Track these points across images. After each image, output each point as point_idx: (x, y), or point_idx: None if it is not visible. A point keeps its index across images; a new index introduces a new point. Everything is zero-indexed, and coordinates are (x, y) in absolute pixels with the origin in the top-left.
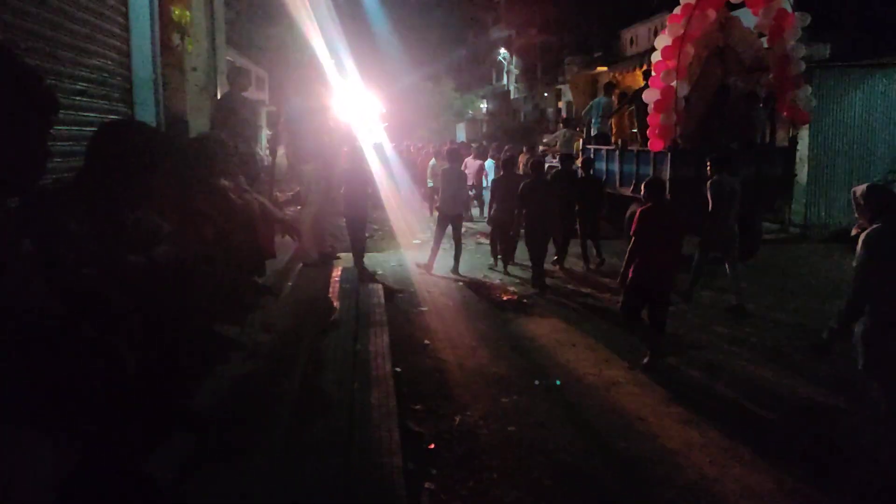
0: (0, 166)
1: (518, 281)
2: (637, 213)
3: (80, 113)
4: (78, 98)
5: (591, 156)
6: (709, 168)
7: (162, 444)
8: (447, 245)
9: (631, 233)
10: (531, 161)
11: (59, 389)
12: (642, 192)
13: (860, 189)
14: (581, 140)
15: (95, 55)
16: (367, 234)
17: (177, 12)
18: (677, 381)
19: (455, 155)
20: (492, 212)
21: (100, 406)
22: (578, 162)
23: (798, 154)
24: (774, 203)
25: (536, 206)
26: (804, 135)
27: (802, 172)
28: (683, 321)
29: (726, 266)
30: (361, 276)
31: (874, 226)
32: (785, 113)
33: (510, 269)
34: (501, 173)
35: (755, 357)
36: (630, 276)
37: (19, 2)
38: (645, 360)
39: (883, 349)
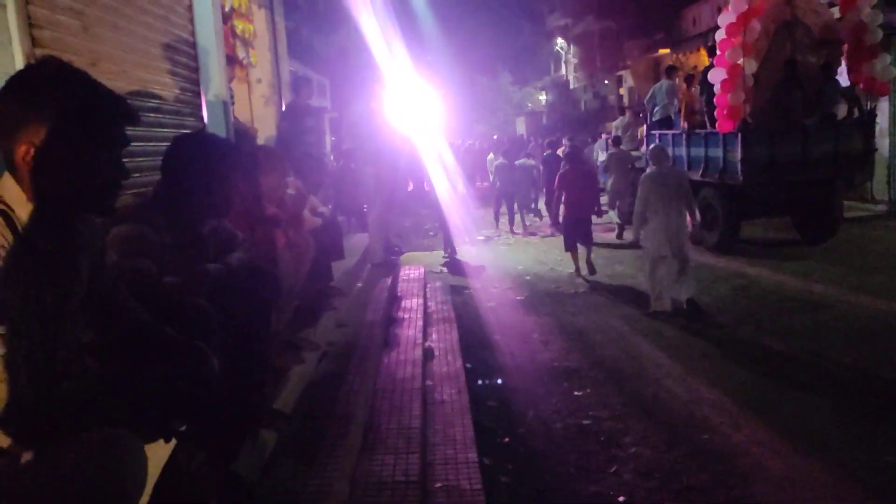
0: (86, 188)
1: (585, 272)
2: (559, 174)
3: (154, 129)
4: (152, 115)
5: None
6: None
7: (246, 443)
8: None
9: (555, 186)
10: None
11: (150, 391)
12: (563, 159)
13: (651, 148)
14: (645, 126)
15: (166, 72)
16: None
17: (240, 26)
18: (756, 370)
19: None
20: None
21: (188, 407)
22: (643, 149)
23: (878, 127)
24: (854, 180)
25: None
26: (884, 107)
27: (884, 146)
28: (759, 307)
29: None
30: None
31: (649, 171)
32: (861, 85)
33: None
34: (502, 161)
35: (834, 342)
36: (563, 217)
37: (95, 28)
38: (585, 272)
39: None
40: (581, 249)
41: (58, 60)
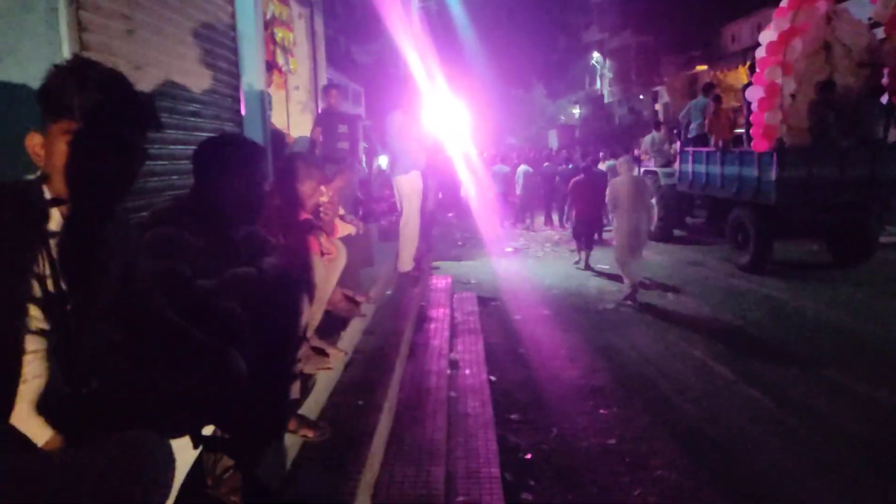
0: (93, 187)
1: (616, 289)
2: (573, 182)
3: (193, 133)
4: (192, 119)
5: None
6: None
7: (270, 449)
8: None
9: (568, 190)
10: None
11: (179, 394)
12: (582, 168)
13: (620, 160)
14: (679, 142)
15: (207, 78)
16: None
17: (280, 34)
18: (784, 396)
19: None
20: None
21: (216, 411)
22: (675, 166)
23: None
24: (891, 203)
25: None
26: None
27: None
28: (790, 332)
29: None
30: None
31: (617, 178)
32: None
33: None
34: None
35: (864, 372)
36: (575, 216)
37: (141, 32)
38: (585, 263)
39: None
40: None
41: (84, 60)
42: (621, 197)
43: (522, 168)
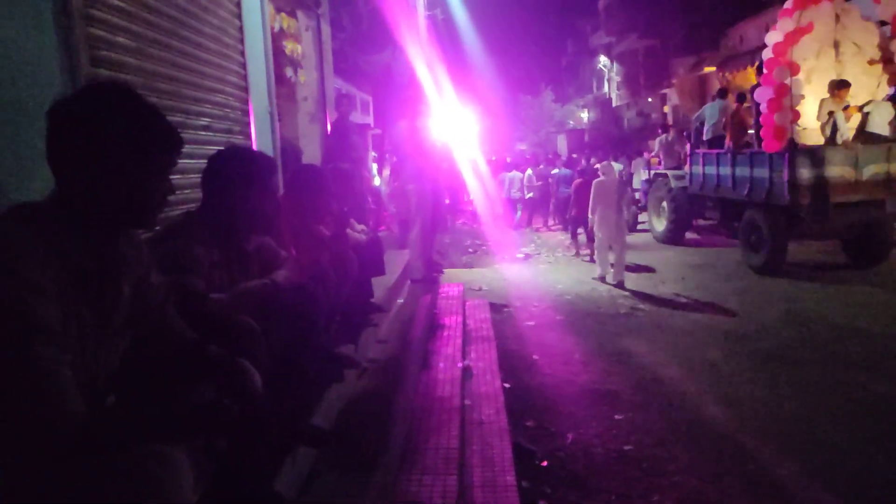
0: (134, 209)
1: (628, 294)
2: (575, 185)
3: (204, 147)
4: (203, 133)
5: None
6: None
7: (286, 461)
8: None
9: (572, 192)
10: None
11: (195, 409)
12: (578, 172)
13: (602, 164)
14: (689, 144)
15: (217, 92)
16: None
17: (289, 47)
18: (804, 398)
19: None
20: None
21: (231, 424)
22: (686, 168)
23: None
24: None
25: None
26: None
27: None
28: (807, 334)
29: None
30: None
31: (599, 179)
32: None
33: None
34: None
35: (885, 374)
36: (574, 214)
37: (151, 48)
38: (586, 254)
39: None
40: (583, 241)
41: (115, 83)
42: (604, 195)
43: (512, 174)
